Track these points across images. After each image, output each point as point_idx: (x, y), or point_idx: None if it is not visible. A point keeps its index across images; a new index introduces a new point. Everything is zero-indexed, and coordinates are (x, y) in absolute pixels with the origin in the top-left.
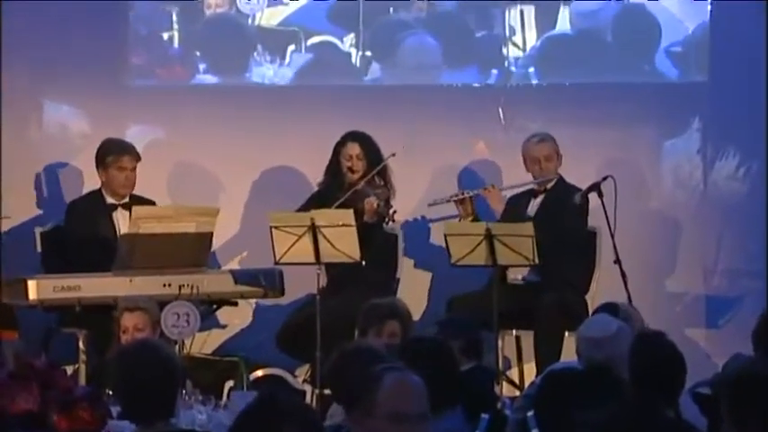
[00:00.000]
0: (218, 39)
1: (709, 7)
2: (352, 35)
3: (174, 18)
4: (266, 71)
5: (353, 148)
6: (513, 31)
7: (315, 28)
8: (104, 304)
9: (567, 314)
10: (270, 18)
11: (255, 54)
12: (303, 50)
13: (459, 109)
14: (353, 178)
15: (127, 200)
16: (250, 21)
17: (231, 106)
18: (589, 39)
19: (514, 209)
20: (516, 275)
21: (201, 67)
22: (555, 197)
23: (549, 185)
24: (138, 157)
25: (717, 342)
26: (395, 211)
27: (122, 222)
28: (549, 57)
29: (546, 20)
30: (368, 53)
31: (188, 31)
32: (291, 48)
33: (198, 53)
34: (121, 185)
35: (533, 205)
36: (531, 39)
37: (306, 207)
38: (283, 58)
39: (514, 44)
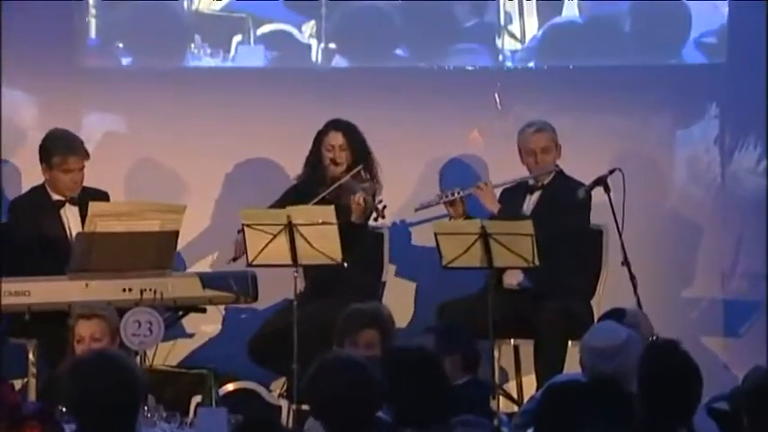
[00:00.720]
0: (146, 27)
1: None
2: (312, 23)
3: (91, 2)
4: (205, 66)
5: (336, 138)
6: (509, 20)
7: (266, 14)
8: (57, 311)
9: (570, 321)
10: (210, 2)
11: (192, 46)
12: (252, 41)
13: (451, 95)
14: (336, 171)
15: (75, 194)
16: (186, 5)
17: (201, 91)
18: (601, 28)
19: (508, 207)
20: (511, 281)
21: (125, 61)
22: (553, 193)
23: (547, 180)
24: (86, 155)
25: (736, 352)
26: (384, 206)
27: (72, 220)
28: (552, 45)
29: (549, 8)
30: (332, 45)
31: (107, 19)
32: (237, 38)
33: (120, 45)
34: (68, 188)
35: (529, 202)
36: (532, 28)
37: (282, 203)
38: (227, 50)
39: (511, 34)
